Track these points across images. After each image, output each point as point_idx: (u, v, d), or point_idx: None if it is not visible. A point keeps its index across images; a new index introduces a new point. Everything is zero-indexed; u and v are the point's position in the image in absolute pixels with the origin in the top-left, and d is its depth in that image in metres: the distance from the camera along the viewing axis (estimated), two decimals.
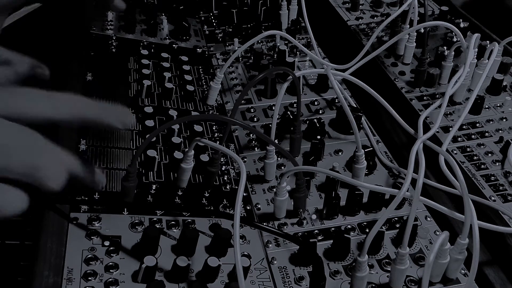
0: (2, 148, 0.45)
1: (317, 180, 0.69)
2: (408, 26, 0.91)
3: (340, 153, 0.73)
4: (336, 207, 0.64)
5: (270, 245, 0.60)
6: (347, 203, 0.65)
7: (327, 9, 1.07)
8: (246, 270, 0.55)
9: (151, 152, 0.65)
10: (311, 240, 0.58)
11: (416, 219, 0.64)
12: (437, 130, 0.75)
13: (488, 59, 0.83)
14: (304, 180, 0.62)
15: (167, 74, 0.81)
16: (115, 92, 0.78)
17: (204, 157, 0.67)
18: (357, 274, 0.54)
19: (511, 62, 0.87)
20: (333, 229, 0.63)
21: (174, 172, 0.66)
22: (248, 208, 0.65)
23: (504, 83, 0.84)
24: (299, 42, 0.87)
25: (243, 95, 0.63)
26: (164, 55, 0.86)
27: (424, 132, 0.72)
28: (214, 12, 1.03)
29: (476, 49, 0.83)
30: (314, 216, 0.64)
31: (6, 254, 0.61)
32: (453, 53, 0.84)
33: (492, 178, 0.70)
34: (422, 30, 0.87)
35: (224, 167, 0.69)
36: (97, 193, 0.61)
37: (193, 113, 0.78)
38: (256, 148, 0.74)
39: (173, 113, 0.74)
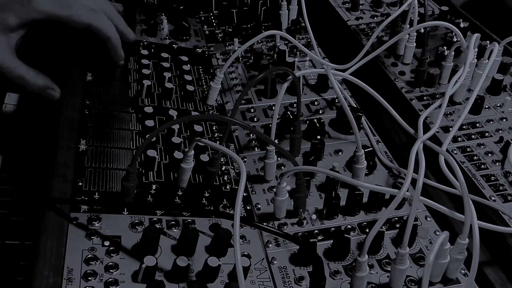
0: None
1: (317, 180, 0.69)
2: (408, 26, 0.91)
3: (340, 153, 0.73)
4: (336, 207, 0.64)
5: (270, 245, 0.60)
6: (347, 203, 0.65)
7: (327, 9, 1.07)
8: (246, 270, 0.55)
9: (151, 152, 0.65)
10: (311, 240, 0.58)
11: (416, 219, 0.64)
12: (437, 130, 0.75)
13: (488, 59, 0.83)
14: (304, 180, 0.62)
15: (167, 74, 0.81)
16: (115, 92, 0.78)
17: (204, 157, 0.67)
18: (357, 274, 0.54)
19: (511, 62, 0.87)
20: (333, 229, 0.63)
21: (174, 172, 0.66)
22: (248, 208, 0.65)
23: (504, 83, 0.84)
24: (299, 42, 0.88)
25: (243, 95, 0.63)
26: (164, 55, 0.86)
27: (424, 132, 0.72)
28: (214, 12, 1.03)
29: (476, 49, 0.83)
30: (314, 216, 0.64)
31: (6, 254, 0.61)
32: (453, 53, 0.84)
33: (492, 178, 0.70)
34: (422, 30, 0.87)
35: (224, 167, 0.69)
36: (97, 193, 0.61)
37: (193, 113, 0.78)
38: (256, 148, 0.74)
39: (173, 113, 0.74)
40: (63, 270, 0.52)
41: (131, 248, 0.56)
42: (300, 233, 0.62)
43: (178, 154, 0.67)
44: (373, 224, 0.52)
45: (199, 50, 0.91)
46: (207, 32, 0.98)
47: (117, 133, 0.70)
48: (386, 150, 0.75)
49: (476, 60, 0.83)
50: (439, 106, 0.77)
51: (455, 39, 0.90)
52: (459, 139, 0.76)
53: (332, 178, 0.65)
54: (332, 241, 0.60)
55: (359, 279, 0.54)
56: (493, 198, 0.67)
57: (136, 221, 0.59)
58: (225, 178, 0.68)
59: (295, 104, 0.80)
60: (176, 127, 0.71)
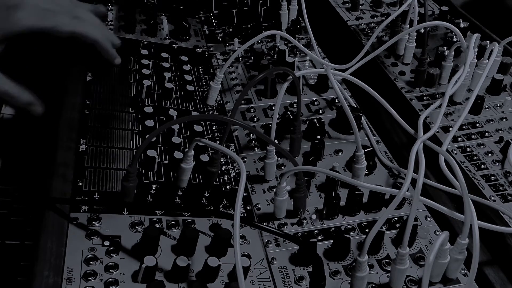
0: None
1: (317, 180, 0.69)
2: (408, 26, 0.91)
3: (340, 153, 0.73)
4: (336, 207, 0.64)
5: (270, 245, 0.60)
6: (347, 203, 0.65)
7: (327, 9, 1.07)
8: (246, 270, 0.55)
9: (151, 152, 0.65)
10: (311, 240, 0.58)
11: (416, 219, 0.64)
12: (437, 130, 0.75)
13: (488, 59, 0.83)
14: (304, 180, 0.62)
15: (167, 74, 0.81)
16: (115, 92, 0.78)
17: (204, 157, 0.67)
18: (357, 274, 0.54)
19: (511, 62, 0.87)
20: (333, 229, 0.63)
21: (174, 172, 0.66)
22: (248, 208, 0.65)
23: (504, 83, 0.84)
24: (299, 42, 0.88)
25: (243, 95, 0.63)
26: (164, 55, 0.86)
27: (424, 132, 0.72)
28: (214, 12, 1.03)
29: (476, 49, 0.83)
30: (314, 216, 0.64)
31: (6, 254, 0.61)
32: (453, 53, 0.84)
33: (492, 178, 0.70)
34: (422, 30, 0.87)
35: (224, 167, 0.69)
36: (97, 193, 0.61)
37: (193, 113, 0.78)
38: (256, 148, 0.74)
39: (173, 113, 0.74)
40: (63, 270, 0.52)
41: (131, 248, 0.56)
42: (300, 233, 0.62)
43: (178, 154, 0.67)
44: (373, 224, 0.52)
45: (199, 50, 0.91)
46: (207, 32, 0.98)
47: (117, 133, 0.70)
48: (386, 150, 0.75)
49: (476, 60, 0.83)
50: (439, 106, 0.77)
51: (455, 39, 0.90)
52: (459, 139, 0.76)
53: (332, 178, 0.65)
54: (332, 241, 0.60)
55: (359, 279, 0.54)
56: (493, 198, 0.67)
57: (136, 221, 0.59)
58: (225, 178, 0.68)
59: (295, 104, 0.80)
60: (176, 127, 0.71)
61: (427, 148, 0.70)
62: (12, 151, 0.73)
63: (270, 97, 0.83)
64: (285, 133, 0.74)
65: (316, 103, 0.82)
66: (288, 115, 0.75)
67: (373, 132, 0.77)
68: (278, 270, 0.58)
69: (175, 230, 0.59)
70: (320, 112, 0.81)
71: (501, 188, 0.68)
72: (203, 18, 1.02)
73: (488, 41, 0.89)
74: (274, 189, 0.62)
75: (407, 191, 0.56)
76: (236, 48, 0.92)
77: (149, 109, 0.74)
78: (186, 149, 0.63)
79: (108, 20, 0.92)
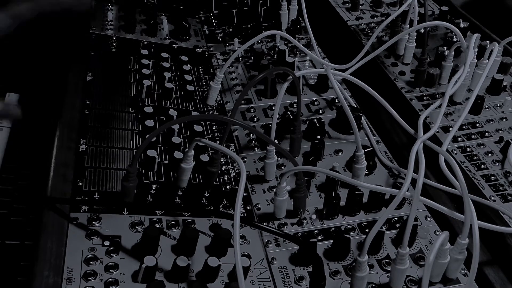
0: None
1: (317, 180, 0.69)
2: (408, 26, 0.91)
3: (340, 153, 0.73)
4: (336, 207, 0.64)
5: (270, 245, 0.60)
6: (347, 203, 0.65)
7: (327, 9, 1.07)
8: (246, 270, 0.55)
9: (151, 152, 0.65)
10: (311, 240, 0.58)
11: (416, 219, 0.64)
12: (437, 130, 0.75)
13: (488, 59, 0.83)
14: (304, 180, 0.62)
15: (167, 74, 0.81)
16: (115, 92, 0.78)
17: (204, 157, 0.67)
18: (357, 274, 0.54)
19: (511, 62, 0.87)
20: (333, 229, 0.63)
21: (174, 172, 0.66)
22: (248, 208, 0.65)
23: (504, 83, 0.84)
24: (299, 42, 0.88)
25: (243, 95, 0.63)
26: (164, 55, 0.86)
27: (424, 132, 0.72)
28: (214, 12, 1.03)
29: (476, 49, 0.83)
30: (314, 216, 0.64)
31: (6, 254, 0.61)
32: (453, 53, 0.84)
33: (492, 178, 0.70)
34: (422, 30, 0.87)
35: (224, 167, 0.69)
36: (97, 193, 0.61)
37: (193, 113, 0.78)
38: (256, 148, 0.74)
39: (173, 113, 0.74)
40: (63, 270, 0.52)
41: (131, 248, 0.56)
42: (300, 233, 0.62)
43: (178, 154, 0.67)
44: (373, 224, 0.52)
45: (199, 50, 0.91)
46: (207, 32, 0.98)
47: (117, 133, 0.70)
48: (386, 150, 0.75)
49: (476, 60, 0.83)
50: (439, 106, 0.77)
51: (455, 39, 0.90)
52: (459, 139, 0.76)
53: (332, 178, 0.65)
54: (332, 241, 0.60)
55: (359, 279, 0.54)
56: (493, 198, 0.67)
57: (136, 221, 0.59)
58: (225, 178, 0.68)
59: (295, 104, 0.80)
60: (176, 127, 0.71)
61: (427, 148, 0.70)
62: (13, 151, 0.73)
63: (270, 97, 0.83)
64: (285, 133, 0.74)
65: (316, 103, 0.82)
66: (288, 115, 0.75)
67: (373, 132, 0.77)
68: (278, 270, 0.58)
69: (175, 230, 0.59)
70: (320, 112, 0.81)
71: (501, 188, 0.68)
72: (203, 18, 1.02)
73: (488, 41, 0.89)
74: (274, 189, 0.62)
75: (407, 191, 0.56)
76: (236, 48, 0.92)
77: (149, 109, 0.74)
78: (186, 149, 0.63)
79: (108, 20, 0.92)
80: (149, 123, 0.72)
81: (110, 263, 0.54)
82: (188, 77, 0.83)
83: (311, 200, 0.66)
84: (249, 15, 0.99)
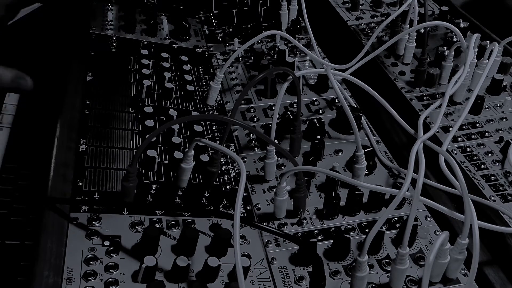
0: None
1: (317, 180, 0.69)
2: (408, 26, 0.91)
3: (340, 153, 0.73)
4: (336, 207, 0.64)
5: (270, 245, 0.60)
6: (347, 203, 0.65)
7: (327, 9, 1.07)
8: (246, 270, 0.55)
9: (151, 152, 0.65)
10: (311, 240, 0.58)
11: (416, 219, 0.64)
12: (437, 130, 0.75)
13: (488, 59, 0.83)
14: (304, 180, 0.62)
15: (167, 74, 0.81)
16: (115, 92, 0.78)
17: (204, 157, 0.67)
18: (357, 274, 0.54)
19: (511, 62, 0.87)
20: (333, 229, 0.63)
21: (174, 172, 0.66)
22: (248, 208, 0.65)
23: (504, 83, 0.84)
24: (299, 42, 0.87)
25: (243, 95, 0.63)
26: (164, 55, 0.86)
27: (424, 132, 0.72)
28: (214, 12, 1.03)
29: (476, 49, 0.83)
30: (314, 216, 0.64)
31: (6, 254, 0.61)
32: (453, 53, 0.84)
33: (492, 178, 0.70)
34: (422, 30, 0.87)
35: (224, 167, 0.69)
36: (97, 193, 0.61)
37: (193, 113, 0.78)
38: (256, 148, 0.74)
39: (173, 113, 0.74)
40: (63, 270, 0.52)
41: (131, 248, 0.56)
42: (300, 233, 0.62)
43: (178, 154, 0.67)
44: (373, 224, 0.52)
45: (199, 50, 0.91)
46: (207, 32, 0.98)
47: (117, 133, 0.70)
48: (386, 150, 0.75)
49: (476, 60, 0.83)
50: (439, 106, 0.77)
51: (455, 39, 0.90)
52: (459, 139, 0.76)
53: (332, 178, 0.65)
54: (332, 241, 0.60)
55: (359, 279, 0.54)
56: (493, 198, 0.67)
57: (136, 221, 0.59)
58: (225, 178, 0.68)
59: (295, 104, 0.80)
60: (176, 127, 0.71)
61: (427, 148, 0.70)
62: (13, 151, 0.73)
63: (270, 97, 0.83)
64: (285, 133, 0.74)
65: (316, 103, 0.82)
66: (288, 115, 0.75)
67: (373, 132, 0.77)
68: (278, 270, 0.58)
69: (175, 230, 0.59)
70: (320, 112, 0.81)
71: (501, 188, 0.68)
72: (203, 18, 1.02)
73: (488, 41, 0.89)
74: (274, 189, 0.62)
75: (407, 191, 0.56)
76: (236, 48, 0.92)
77: (149, 109, 0.74)
78: (186, 149, 0.63)
79: (108, 20, 0.92)
80: (149, 123, 0.72)
81: (110, 263, 0.54)
82: (188, 77, 0.83)
83: (311, 200, 0.66)
84: (249, 15, 0.99)
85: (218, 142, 0.68)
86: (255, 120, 0.79)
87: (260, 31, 0.93)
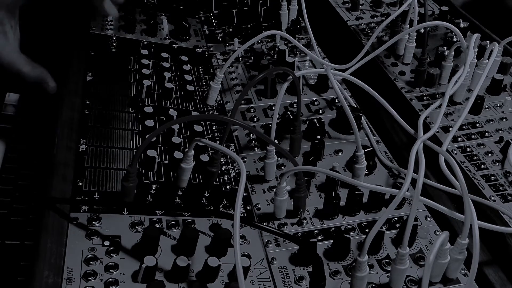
0: None
1: (317, 180, 0.69)
2: (408, 26, 0.91)
3: (340, 153, 0.73)
4: (336, 207, 0.64)
5: (270, 245, 0.60)
6: (347, 203, 0.65)
7: (327, 9, 1.07)
8: (246, 270, 0.55)
9: (151, 152, 0.65)
10: (311, 240, 0.58)
11: (416, 219, 0.64)
12: (437, 130, 0.75)
13: (488, 59, 0.82)
14: (304, 180, 0.62)
15: (167, 74, 0.81)
16: (115, 92, 0.78)
17: (204, 157, 0.67)
18: (357, 274, 0.54)
19: (511, 62, 0.87)
20: (333, 229, 0.63)
21: (174, 172, 0.66)
22: (248, 208, 0.65)
23: (504, 83, 0.84)
24: (299, 42, 0.87)
25: (243, 95, 0.63)
26: (164, 55, 0.86)
27: (424, 132, 0.72)
28: (214, 12, 1.03)
29: (476, 49, 0.83)
30: (314, 216, 0.64)
31: (6, 254, 0.61)
32: (453, 53, 0.84)
33: (492, 178, 0.70)
34: (422, 30, 0.87)
35: (224, 167, 0.69)
36: (97, 193, 0.61)
37: (193, 113, 0.78)
38: (256, 148, 0.74)
39: (173, 113, 0.74)
40: (63, 270, 0.52)
41: (131, 248, 0.56)
42: (300, 233, 0.62)
43: (178, 154, 0.67)
44: (373, 224, 0.52)
45: (199, 50, 0.91)
46: (207, 32, 0.98)
47: (117, 133, 0.70)
48: (386, 150, 0.75)
49: (476, 60, 0.83)
50: (439, 106, 0.77)
51: (455, 39, 0.90)
52: (459, 139, 0.76)
53: (332, 178, 0.65)
54: (332, 241, 0.60)
55: (359, 279, 0.54)
56: (493, 198, 0.67)
57: (136, 221, 0.59)
58: (225, 178, 0.68)
59: (295, 104, 0.80)
60: (176, 127, 0.71)
61: (427, 148, 0.70)
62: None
63: (270, 97, 0.83)
64: (285, 133, 0.74)
65: (316, 103, 0.82)
66: (288, 115, 0.75)
67: (373, 132, 0.77)
68: (278, 270, 0.58)
69: (175, 230, 0.59)
70: (320, 112, 0.81)
71: (501, 188, 0.68)
72: (203, 18, 1.02)
73: (488, 41, 0.89)
74: (274, 189, 0.62)
75: (407, 191, 0.56)
76: (236, 48, 0.92)
77: (149, 109, 0.74)
78: (186, 149, 0.63)
79: (108, 20, 0.92)
80: (149, 123, 0.72)
81: (110, 263, 0.54)
82: (188, 77, 0.83)
83: (311, 200, 0.66)
84: (249, 15, 0.99)
85: (218, 142, 0.68)
86: (255, 120, 0.79)
87: (260, 31, 0.93)
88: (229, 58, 0.77)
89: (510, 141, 0.73)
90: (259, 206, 0.65)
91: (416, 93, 0.84)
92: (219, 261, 0.54)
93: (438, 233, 0.63)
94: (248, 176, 0.69)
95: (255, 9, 1.00)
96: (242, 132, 0.76)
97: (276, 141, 0.72)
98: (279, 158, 0.70)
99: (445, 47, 0.89)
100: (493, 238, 0.62)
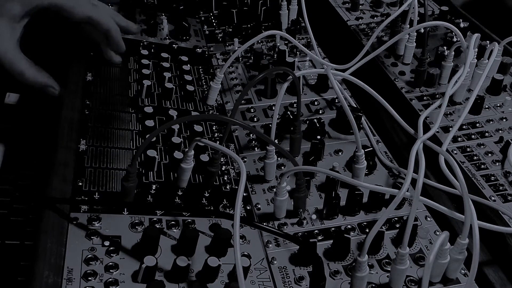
0: None
1: (317, 180, 0.69)
2: (408, 26, 0.91)
3: (340, 153, 0.73)
4: (336, 207, 0.64)
5: (270, 245, 0.60)
6: (347, 203, 0.65)
7: (327, 9, 1.07)
8: (246, 270, 0.55)
9: (151, 152, 0.65)
10: (311, 240, 0.58)
11: (416, 219, 0.64)
12: (437, 130, 0.75)
13: (488, 59, 0.83)
14: (304, 180, 0.62)
15: (167, 74, 0.81)
16: (115, 92, 0.78)
17: (204, 157, 0.67)
18: (357, 274, 0.54)
19: (511, 62, 0.87)
20: (333, 229, 0.63)
21: (174, 172, 0.66)
22: (248, 208, 0.65)
23: (504, 83, 0.84)
24: (299, 42, 0.88)
25: (243, 95, 0.63)
26: (164, 55, 0.86)
27: (424, 132, 0.72)
28: (214, 12, 1.03)
29: (476, 49, 0.83)
30: (314, 216, 0.64)
31: (6, 254, 0.61)
32: (453, 53, 0.84)
33: (492, 178, 0.70)
34: (422, 30, 0.87)
35: (224, 167, 0.69)
36: (97, 193, 0.61)
37: (193, 113, 0.78)
38: (256, 148, 0.74)
39: (173, 113, 0.74)
40: (63, 270, 0.52)
41: (131, 248, 0.56)
42: (300, 233, 0.62)
43: (178, 154, 0.67)
44: (373, 224, 0.52)
45: (199, 50, 0.91)
46: (207, 32, 0.98)
47: (117, 133, 0.70)
48: (386, 150, 0.75)
49: (476, 60, 0.83)
50: (439, 106, 0.77)
51: (455, 39, 0.90)
52: (459, 139, 0.76)
53: (332, 178, 0.65)
54: (332, 241, 0.60)
55: (359, 279, 0.54)
56: (493, 198, 0.67)
57: (136, 221, 0.59)
58: (225, 178, 0.68)
59: (295, 104, 0.80)
60: (176, 127, 0.71)
61: (427, 148, 0.70)
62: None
63: (270, 97, 0.83)
64: (285, 133, 0.74)
65: (316, 103, 0.82)
66: (288, 115, 0.75)
67: (373, 132, 0.77)
68: (278, 270, 0.58)
69: (175, 230, 0.59)
70: (320, 112, 0.81)
71: (501, 188, 0.68)
72: (203, 18, 1.02)
73: (488, 41, 0.89)
74: (274, 189, 0.62)
75: (407, 191, 0.56)
76: (236, 48, 0.92)
77: (149, 109, 0.74)
78: (186, 149, 0.63)
79: None
80: (149, 123, 0.72)
81: (110, 263, 0.54)
82: (188, 77, 0.83)
83: (311, 200, 0.66)
84: (249, 15, 0.99)
85: (218, 142, 0.68)
86: (255, 120, 0.79)
87: (260, 31, 0.93)
88: (229, 58, 0.77)
89: (510, 141, 0.73)
90: (259, 206, 0.65)
91: (416, 93, 0.84)
92: (219, 261, 0.54)
93: (438, 233, 0.63)
94: (248, 176, 0.69)
95: (255, 9, 1.00)
96: (242, 132, 0.76)
97: (276, 141, 0.72)
98: (279, 158, 0.70)
99: (445, 47, 0.89)
100: (493, 238, 0.62)
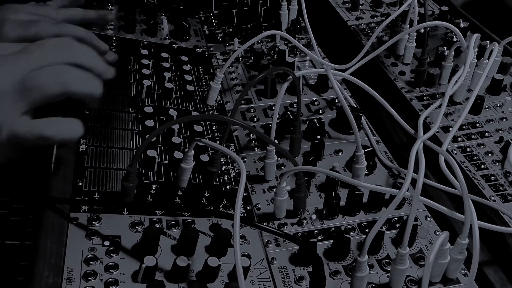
0: None
1: (317, 180, 0.69)
2: (408, 26, 0.91)
3: (340, 153, 0.73)
4: (336, 207, 0.64)
5: (270, 245, 0.60)
6: (347, 203, 0.65)
7: (327, 9, 1.07)
8: (246, 270, 0.55)
9: (151, 152, 0.65)
10: (311, 240, 0.58)
11: (416, 219, 0.64)
12: (437, 130, 0.75)
13: (488, 59, 0.83)
14: (304, 180, 0.62)
15: (167, 74, 0.81)
16: (115, 92, 0.78)
17: (204, 157, 0.67)
18: (357, 274, 0.54)
19: (511, 62, 0.87)
20: (333, 229, 0.63)
21: (174, 172, 0.66)
22: (248, 208, 0.65)
23: (504, 83, 0.84)
24: (299, 42, 0.87)
25: (243, 95, 0.63)
26: (164, 55, 0.86)
27: (424, 132, 0.72)
28: (214, 12, 1.03)
29: (476, 49, 0.83)
30: (314, 216, 0.64)
31: (6, 254, 0.61)
32: (453, 53, 0.84)
33: (492, 178, 0.70)
34: (422, 30, 0.87)
35: (224, 167, 0.69)
36: (97, 193, 0.61)
37: (193, 113, 0.78)
38: (256, 148, 0.74)
39: (173, 113, 0.74)
40: (63, 270, 0.52)
41: (131, 248, 0.56)
42: (300, 233, 0.62)
43: (178, 154, 0.67)
44: (373, 224, 0.52)
45: (199, 50, 0.91)
46: (207, 32, 0.98)
47: (117, 133, 0.70)
48: (386, 150, 0.75)
49: (476, 60, 0.83)
50: (439, 106, 0.77)
51: (455, 39, 0.90)
52: (459, 139, 0.76)
53: (332, 178, 0.65)
54: (332, 241, 0.60)
55: (359, 279, 0.54)
56: (493, 198, 0.67)
57: (136, 221, 0.59)
58: (225, 178, 0.68)
59: (295, 104, 0.80)
60: (176, 127, 0.71)
61: (427, 148, 0.70)
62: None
63: (270, 97, 0.83)
64: (285, 133, 0.74)
65: (316, 103, 0.82)
66: (288, 115, 0.75)
67: (373, 132, 0.77)
68: (278, 270, 0.58)
69: (175, 230, 0.59)
70: (320, 112, 0.81)
71: (501, 188, 0.68)
72: (203, 18, 1.02)
73: (488, 41, 0.89)
74: (274, 189, 0.62)
75: (407, 191, 0.56)
76: (236, 48, 0.92)
77: (149, 109, 0.74)
78: (186, 149, 0.63)
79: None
80: (149, 123, 0.72)
81: (110, 263, 0.54)
82: (188, 77, 0.83)
83: (311, 200, 0.66)
84: (249, 15, 0.99)
85: (218, 142, 0.68)
86: (255, 120, 0.79)
87: (260, 31, 0.93)
88: (229, 58, 0.77)
89: (510, 141, 0.73)
90: (259, 206, 0.65)
91: (416, 93, 0.84)
92: (219, 261, 0.54)
93: (438, 233, 0.63)
94: (248, 176, 0.69)
95: (255, 9, 1.01)
96: (242, 132, 0.76)
97: (276, 141, 0.72)
98: (279, 158, 0.70)
99: (445, 47, 0.89)
100: (493, 238, 0.62)
